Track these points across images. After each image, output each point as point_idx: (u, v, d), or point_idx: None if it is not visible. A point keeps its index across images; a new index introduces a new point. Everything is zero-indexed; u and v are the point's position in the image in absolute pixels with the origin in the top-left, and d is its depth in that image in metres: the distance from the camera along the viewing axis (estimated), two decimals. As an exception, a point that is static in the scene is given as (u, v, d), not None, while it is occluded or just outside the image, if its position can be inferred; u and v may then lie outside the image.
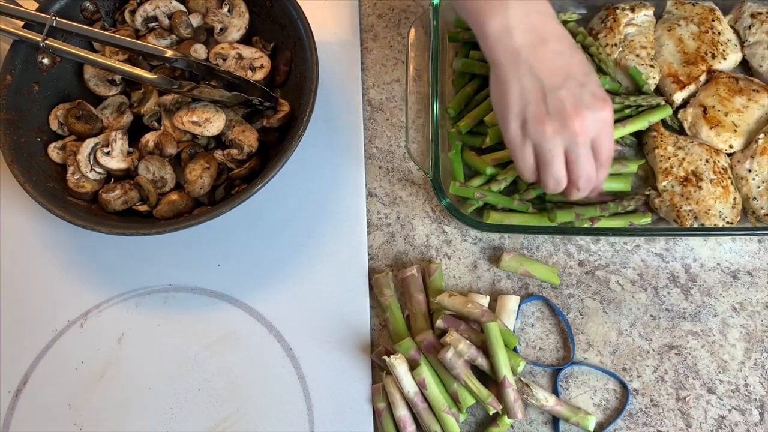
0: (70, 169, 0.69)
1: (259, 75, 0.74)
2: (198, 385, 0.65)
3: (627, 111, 0.73)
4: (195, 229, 0.71)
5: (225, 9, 0.76)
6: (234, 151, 0.70)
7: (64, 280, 0.70)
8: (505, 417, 0.60)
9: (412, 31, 0.75)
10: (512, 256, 0.68)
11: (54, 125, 0.72)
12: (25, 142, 0.69)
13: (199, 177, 0.67)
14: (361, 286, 0.69)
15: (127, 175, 0.71)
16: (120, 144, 0.69)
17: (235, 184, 0.70)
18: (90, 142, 0.69)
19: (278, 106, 0.73)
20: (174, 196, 0.68)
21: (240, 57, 0.74)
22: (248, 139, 0.70)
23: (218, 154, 0.70)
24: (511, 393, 0.59)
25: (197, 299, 0.69)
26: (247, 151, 0.69)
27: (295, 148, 0.65)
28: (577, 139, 0.56)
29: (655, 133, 0.72)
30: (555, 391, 0.64)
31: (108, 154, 0.69)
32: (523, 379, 0.63)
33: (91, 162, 0.69)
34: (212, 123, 0.69)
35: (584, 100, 0.56)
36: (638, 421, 0.63)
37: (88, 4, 0.75)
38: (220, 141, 0.72)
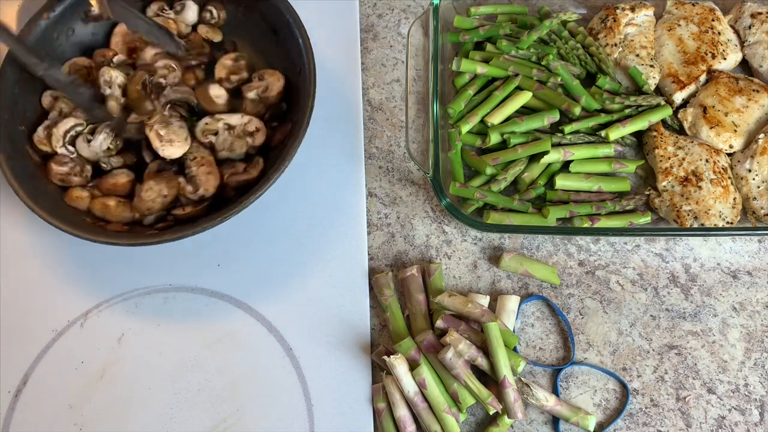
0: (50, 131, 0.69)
1: (259, 139, 0.71)
2: (198, 385, 0.65)
3: (627, 111, 0.73)
4: (195, 229, 0.71)
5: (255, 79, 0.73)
6: (189, 188, 0.67)
7: (64, 280, 0.69)
8: (505, 417, 0.60)
9: (412, 31, 0.75)
10: (512, 256, 0.68)
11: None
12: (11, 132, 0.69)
13: (152, 200, 0.66)
14: (361, 286, 0.69)
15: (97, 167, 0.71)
16: (103, 138, 0.69)
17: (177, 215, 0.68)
18: (69, 122, 0.69)
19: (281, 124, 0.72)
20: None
21: (229, 127, 0.71)
22: (209, 182, 0.67)
23: (182, 181, 0.68)
24: (511, 393, 0.59)
25: (197, 299, 0.69)
26: (201, 194, 0.67)
27: (293, 156, 0.65)
28: None
29: (655, 133, 0.72)
30: (555, 391, 0.64)
31: (88, 141, 0.69)
32: (523, 379, 0.63)
33: (66, 139, 0.68)
34: (173, 146, 0.67)
35: None
36: (638, 421, 0.63)
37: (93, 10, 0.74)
38: (182, 167, 0.70)
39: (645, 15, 0.78)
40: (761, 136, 0.70)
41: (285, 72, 0.74)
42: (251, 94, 0.72)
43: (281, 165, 0.65)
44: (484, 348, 0.61)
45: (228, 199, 0.69)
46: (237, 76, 0.73)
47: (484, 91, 0.75)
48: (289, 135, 0.69)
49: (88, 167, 0.70)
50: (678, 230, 0.68)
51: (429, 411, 0.60)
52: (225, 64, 0.74)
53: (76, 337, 0.67)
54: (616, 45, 0.76)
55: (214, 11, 0.77)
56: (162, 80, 0.70)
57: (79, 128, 0.70)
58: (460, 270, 0.70)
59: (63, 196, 0.69)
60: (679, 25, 0.77)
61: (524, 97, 0.72)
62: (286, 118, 0.72)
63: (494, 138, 0.71)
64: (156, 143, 0.67)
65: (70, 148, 0.69)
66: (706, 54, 0.75)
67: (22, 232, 0.72)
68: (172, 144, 0.67)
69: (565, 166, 0.72)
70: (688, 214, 0.68)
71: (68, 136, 0.69)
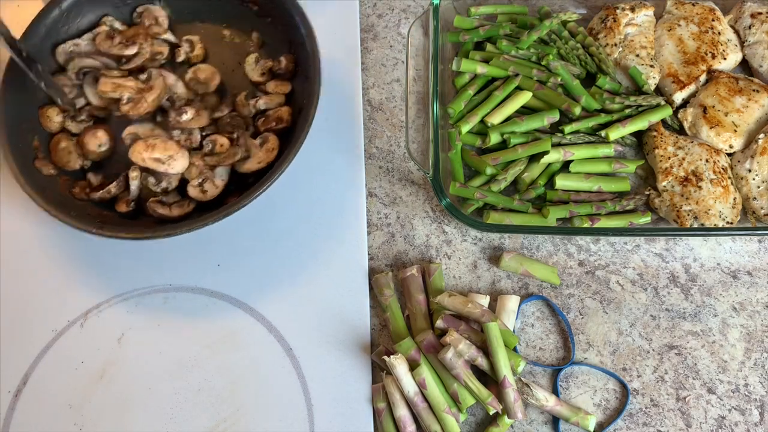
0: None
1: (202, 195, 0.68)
2: (198, 385, 0.65)
3: (627, 111, 0.73)
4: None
5: (258, 141, 0.71)
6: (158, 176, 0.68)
7: (64, 280, 0.69)
8: (505, 417, 0.60)
9: (412, 31, 0.75)
10: (512, 256, 0.68)
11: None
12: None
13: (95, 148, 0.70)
14: (361, 286, 0.69)
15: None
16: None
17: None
18: (93, 63, 0.70)
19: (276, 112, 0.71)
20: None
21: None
22: (176, 164, 0.67)
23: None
24: (511, 393, 0.59)
25: (197, 299, 0.69)
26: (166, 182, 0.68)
27: (293, 159, 0.65)
28: None
29: (655, 133, 0.72)
30: (555, 391, 0.64)
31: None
32: (523, 379, 0.63)
33: (79, 71, 0.70)
34: (175, 161, 0.67)
35: None
36: (638, 421, 0.63)
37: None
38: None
39: (645, 15, 0.78)
40: (761, 136, 0.70)
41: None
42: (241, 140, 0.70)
43: (282, 163, 0.64)
44: (484, 348, 0.61)
45: (223, 201, 0.69)
46: (275, 125, 0.71)
47: (484, 91, 0.75)
48: (287, 143, 0.68)
49: (81, 100, 0.71)
50: (678, 230, 0.68)
51: (429, 411, 0.60)
52: (277, 101, 0.73)
53: (76, 337, 0.67)
54: (616, 45, 0.76)
55: (283, 62, 0.75)
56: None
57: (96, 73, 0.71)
58: (460, 270, 0.70)
59: (38, 109, 0.70)
60: (679, 25, 0.77)
61: (524, 97, 0.72)
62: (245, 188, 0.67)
63: (494, 138, 0.71)
64: (160, 167, 0.68)
65: (78, 79, 0.70)
66: (706, 54, 0.75)
67: (22, 232, 0.72)
68: (173, 159, 0.67)
69: (565, 166, 0.72)
70: (688, 214, 0.68)
71: (82, 72, 0.70)
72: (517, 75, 0.74)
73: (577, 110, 0.72)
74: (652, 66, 0.74)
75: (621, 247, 0.71)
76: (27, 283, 0.69)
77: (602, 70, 0.75)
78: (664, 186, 0.69)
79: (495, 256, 0.70)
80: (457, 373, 0.60)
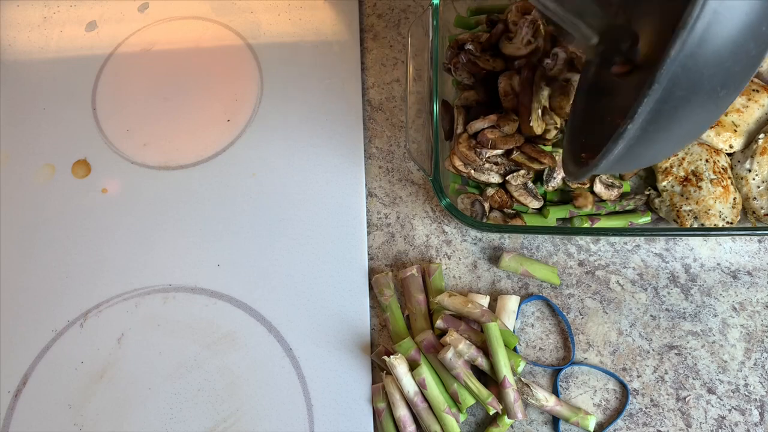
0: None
1: None
2: (198, 385, 0.65)
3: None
4: (195, 228, 0.71)
5: None
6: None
7: (64, 280, 0.70)
8: (505, 417, 0.60)
9: (412, 31, 0.75)
10: (512, 256, 0.68)
11: None
12: None
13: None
14: (361, 286, 0.69)
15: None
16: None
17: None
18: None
19: None
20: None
21: None
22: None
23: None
24: (511, 393, 0.59)
25: (197, 299, 0.69)
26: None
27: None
28: None
29: (655, 133, 0.72)
30: (555, 391, 0.64)
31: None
32: (523, 379, 0.63)
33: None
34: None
35: None
36: (638, 421, 0.63)
37: None
38: None
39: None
40: (761, 136, 0.70)
41: None
42: None
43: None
44: (484, 348, 0.62)
45: None
46: None
47: (484, 91, 0.75)
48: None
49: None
50: (678, 230, 0.68)
51: (429, 411, 0.60)
52: None
53: (76, 337, 0.67)
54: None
55: None
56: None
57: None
58: (460, 270, 0.70)
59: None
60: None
61: (524, 97, 0.72)
62: None
63: (494, 138, 0.71)
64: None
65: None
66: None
67: (22, 231, 0.72)
68: None
69: (565, 166, 0.72)
70: (688, 214, 0.68)
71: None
72: (517, 75, 0.74)
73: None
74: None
75: (621, 247, 0.71)
76: (27, 283, 0.70)
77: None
78: (664, 186, 0.69)
79: (495, 256, 0.70)
80: (457, 373, 0.60)
